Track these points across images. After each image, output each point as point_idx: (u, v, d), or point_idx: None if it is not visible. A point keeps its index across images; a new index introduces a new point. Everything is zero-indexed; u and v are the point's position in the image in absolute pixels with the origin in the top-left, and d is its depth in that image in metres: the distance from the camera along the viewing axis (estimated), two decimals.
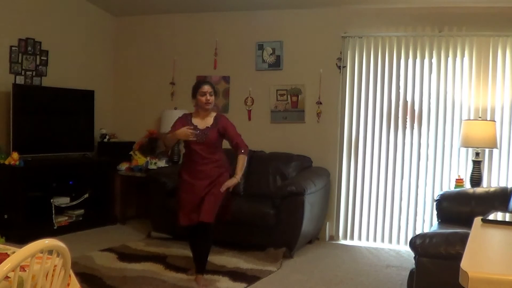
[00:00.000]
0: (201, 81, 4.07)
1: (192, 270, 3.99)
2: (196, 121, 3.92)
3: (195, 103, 3.97)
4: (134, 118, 6.33)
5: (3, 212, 4.81)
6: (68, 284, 1.95)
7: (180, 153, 5.95)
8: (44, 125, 5.37)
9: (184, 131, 3.74)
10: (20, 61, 5.27)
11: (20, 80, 5.27)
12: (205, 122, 3.91)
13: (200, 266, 3.86)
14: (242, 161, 3.88)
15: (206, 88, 3.89)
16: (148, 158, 5.79)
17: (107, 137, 6.07)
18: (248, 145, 4.04)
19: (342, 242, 5.37)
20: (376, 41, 5.26)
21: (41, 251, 1.60)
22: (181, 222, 3.80)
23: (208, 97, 3.86)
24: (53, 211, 5.17)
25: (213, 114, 3.98)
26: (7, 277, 1.53)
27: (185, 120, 3.94)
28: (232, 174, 3.90)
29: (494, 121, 4.73)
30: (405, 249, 4.92)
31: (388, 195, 5.25)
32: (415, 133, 5.16)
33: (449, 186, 4.96)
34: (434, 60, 5.07)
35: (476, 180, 4.64)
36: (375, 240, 5.30)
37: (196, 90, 3.93)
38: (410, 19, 5.11)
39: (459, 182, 4.75)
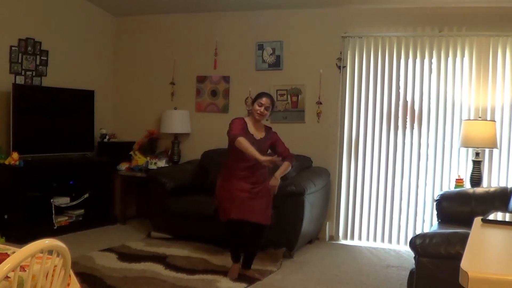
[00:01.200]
0: (264, 92, 4.13)
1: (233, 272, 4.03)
2: (252, 130, 4.02)
3: (249, 110, 4.22)
4: (134, 118, 6.33)
5: (3, 212, 4.81)
6: (68, 284, 1.95)
7: (180, 153, 5.96)
8: (44, 125, 5.37)
9: (269, 160, 3.79)
10: (20, 61, 5.27)
11: (20, 80, 5.27)
12: (259, 133, 4.05)
13: (251, 261, 4.09)
14: (285, 166, 4.08)
15: (265, 100, 3.99)
16: (148, 158, 5.79)
17: (107, 137, 6.07)
18: None
19: (342, 242, 5.37)
20: (376, 41, 5.26)
21: (41, 251, 1.60)
22: (231, 216, 3.90)
23: (263, 110, 3.98)
24: (53, 211, 5.17)
25: (263, 126, 4.13)
26: (7, 277, 1.53)
27: (244, 125, 3.98)
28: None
29: (494, 121, 4.73)
30: (405, 249, 4.92)
31: (388, 195, 5.25)
32: (415, 133, 5.16)
33: (449, 186, 4.96)
34: (434, 60, 5.07)
35: (476, 180, 4.64)
36: (375, 240, 5.30)
37: (256, 98, 4.05)
38: (410, 19, 5.11)
39: (459, 182, 4.75)
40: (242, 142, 3.79)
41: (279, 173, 4.07)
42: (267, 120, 4.35)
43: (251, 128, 4.01)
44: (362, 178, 5.34)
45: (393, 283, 3.99)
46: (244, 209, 3.90)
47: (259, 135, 4.03)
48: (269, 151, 4.15)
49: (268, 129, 4.14)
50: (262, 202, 3.98)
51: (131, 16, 6.30)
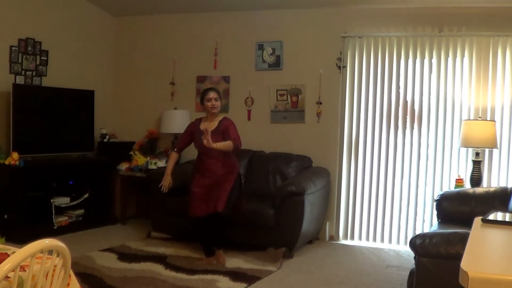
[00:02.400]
0: (207, 89, 4.51)
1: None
2: (204, 125, 4.34)
3: (203, 108, 4.46)
4: (134, 118, 6.33)
5: (3, 212, 4.81)
6: (68, 284, 1.95)
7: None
8: (44, 125, 5.37)
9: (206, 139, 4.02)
10: (20, 61, 5.27)
11: (20, 80, 5.27)
12: (211, 125, 4.32)
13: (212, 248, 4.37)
14: (228, 144, 4.17)
15: (211, 94, 4.33)
16: (148, 158, 5.79)
17: (107, 137, 6.06)
18: (248, 145, 4.37)
19: (342, 242, 5.37)
20: (376, 41, 5.26)
21: (41, 251, 1.60)
22: (192, 213, 4.28)
23: (214, 102, 4.32)
24: (53, 211, 5.17)
25: (219, 118, 4.40)
26: (7, 277, 1.53)
27: (194, 126, 4.44)
28: (240, 177, 4.44)
29: (494, 121, 4.73)
30: (405, 249, 4.92)
31: (388, 195, 5.25)
32: (415, 133, 5.16)
33: (449, 186, 4.96)
34: (434, 60, 5.07)
35: (476, 180, 4.63)
36: (375, 240, 5.30)
37: (203, 97, 4.38)
38: (410, 19, 5.11)
39: (459, 182, 4.75)
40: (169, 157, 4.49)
41: (219, 144, 4.10)
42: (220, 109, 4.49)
43: (204, 124, 4.36)
44: (362, 178, 5.34)
45: (393, 283, 3.99)
46: (200, 206, 4.25)
47: (211, 128, 4.27)
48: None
49: (222, 120, 4.38)
50: (213, 193, 4.24)
51: (131, 16, 6.30)
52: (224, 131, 4.27)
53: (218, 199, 4.21)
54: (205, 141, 3.99)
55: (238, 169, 4.43)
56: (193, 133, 4.39)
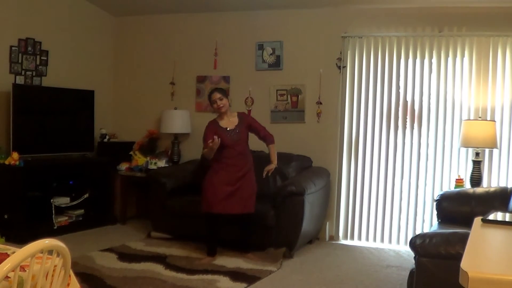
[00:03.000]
0: (211, 90, 4.52)
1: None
2: (223, 123, 4.41)
3: (213, 110, 4.51)
4: (134, 118, 6.33)
5: (3, 212, 4.81)
6: (68, 284, 1.95)
7: (180, 153, 5.96)
8: (44, 125, 5.37)
9: (211, 147, 4.16)
10: (20, 61, 5.27)
11: (20, 80, 5.27)
12: (232, 122, 4.43)
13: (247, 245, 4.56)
14: (273, 149, 4.50)
15: (214, 96, 4.39)
16: (148, 158, 5.79)
17: (107, 137, 6.07)
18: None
19: (342, 242, 5.37)
20: (376, 41, 5.26)
21: (41, 251, 1.60)
22: (216, 210, 4.27)
23: (219, 103, 4.36)
24: (53, 211, 5.17)
25: (235, 114, 4.51)
26: (7, 277, 1.53)
27: (213, 127, 4.41)
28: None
29: (494, 121, 4.73)
30: (405, 249, 4.92)
31: (388, 195, 5.25)
32: (415, 133, 5.16)
33: (449, 186, 4.96)
34: (434, 60, 5.07)
35: (476, 180, 4.63)
36: (375, 240, 5.30)
37: (209, 99, 4.46)
38: (410, 19, 5.11)
39: (459, 182, 4.75)
40: (204, 154, 4.38)
41: (273, 157, 4.48)
42: (230, 106, 4.60)
43: (222, 122, 4.42)
44: (362, 178, 5.34)
45: (393, 283, 3.99)
46: (226, 204, 4.27)
47: (232, 124, 4.41)
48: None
49: (241, 115, 4.53)
50: (244, 193, 4.34)
51: (131, 16, 6.30)
52: (250, 126, 4.45)
53: (249, 199, 4.36)
54: (269, 172, 4.41)
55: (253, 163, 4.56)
56: (216, 132, 4.31)
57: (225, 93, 4.49)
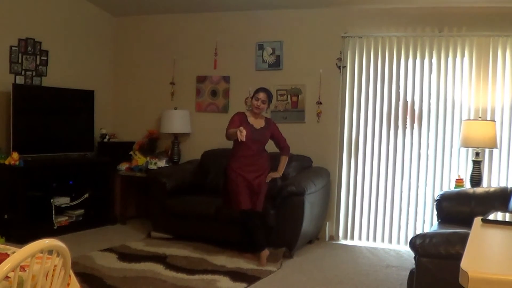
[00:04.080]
0: (261, 88, 4.61)
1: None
2: (251, 120, 4.54)
3: (250, 103, 4.66)
4: (134, 118, 6.33)
5: (3, 212, 4.81)
6: (68, 284, 1.95)
7: (180, 153, 5.96)
8: (44, 125, 5.37)
9: (241, 130, 4.20)
10: (20, 61, 5.27)
11: (20, 80, 5.27)
12: (259, 123, 4.56)
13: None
14: (284, 161, 4.70)
15: (261, 95, 4.51)
16: (148, 158, 5.79)
17: (107, 137, 6.06)
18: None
19: (342, 242, 5.37)
20: (376, 41, 5.26)
21: (41, 251, 1.60)
22: (244, 206, 4.38)
23: (260, 104, 4.49)
24: (53, 211, 5.17)
25: (263, 117, 4.64)
26: (7, 277, 1.53)
27: (242, 117, 4.53)
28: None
29: (494, 121, 4.73)
30: (405, 249, 4.92)
31: (388, 195, 5.25)
32: (415, 133, 5.16)
33: (449, 186, 4.96)
34: (434, 60, 5.07)
35: (476, 180, 4.63)
36: (375, 240, 5.30)
37: (254, 94, 4.58)
38: (410, 19, 5.11)
39: (459, 182, 4.75)
40: (228, 131, 4.37)
41: (281, 168, 4.67)
42: (266, 112, 4.76)
43: (251, 119, 4.54)
44: (362, 178, 5.34)
45: (393, 283, 3.99)
46: (248, 198, 4.40)
47: (258, 125, 4.54)
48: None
49: (268, 120, 4.67)
50: (260, 193, 4.46)
51: (131, 16, 6.30)
52: (273, 133, 4.60)
53: (257, 198, 4.44)
54: (274, 175, 4.56)
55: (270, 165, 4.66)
56: (242, 124, 4.39)
57: (270, 99, 4.60)
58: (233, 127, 4.37)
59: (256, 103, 4.49)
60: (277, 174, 4.64)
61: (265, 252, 4.38)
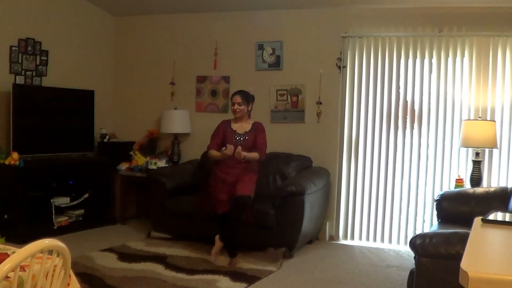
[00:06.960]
0: (235, 92, 4.60)
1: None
2: (235, 126, 4.51)
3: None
4: (134, 118, 6.33)
5: (3, 212, 4.81)
6: (68, 284, 1.95)
7: (180, 153, 5.97)
8: (44, 125, 5.37)
9: (225, 153, 4.24)
10: (20, 61, 5.27)
11: (20, 80, 5.27)
12: (243, 128, 4.50)
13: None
14: (253, 154, 4.39)
15: (235, 98, 4.47)
16: (148, 158, 5.79)
17: (107, 137, 6.06)
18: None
19: (342, 242, 5.37)
20: (376, 41, 5.26)
21: (41, 251, 1.60)
22: (220, 210, 4.29)
23: (236, 107, 4.43)
24: (53, 211, 5.17)
25: (252, 121, 4.56)
26: (7, 277, 1.53)
27: (223, 127, 4.52)
28: (258, 177, 4.50)
29: (494, 121, 4.73)
30: (405, 249, 4.92)
31: (388, 195, 5.25)
32: (415, 133, 5.16)
33: (449, 186, 4.96)
34: (434, 60, 5.07)
35: (476, 180, 4.63)
36: (375, 240, 5.30)
37: (230, 99, 4.55)
38: (410, 19, 5.11)
39: (459, 182, 4.75)
40: (211, 154, 4.46)
41: (247, 154, 4.32)
42: (248, 112, 4.62)
43: (234, 125, 4.51)
44: (362, 178, 5.34)
45: (393, 283, 3.99)
46: (224, 202, 4.29)
47: (243, 130, 4.49)
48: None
49: (256, 124, 4.55)
50: (240, 180, 4.29)
51: (131, 16, 6.30)
52: (255, 136, 4.47)
53: (241, 185, 4.26)
54: (235, 151, 4.20)
55: (257, 173, 4.51)
56: (224, 132, 4.48)
57: (248, 99, 4.51)
58: (215, 136, 4.47)
59: (233, 108, 4.48)
60: (238, 152, 4.23)
61: (218, 244, 4.34)
